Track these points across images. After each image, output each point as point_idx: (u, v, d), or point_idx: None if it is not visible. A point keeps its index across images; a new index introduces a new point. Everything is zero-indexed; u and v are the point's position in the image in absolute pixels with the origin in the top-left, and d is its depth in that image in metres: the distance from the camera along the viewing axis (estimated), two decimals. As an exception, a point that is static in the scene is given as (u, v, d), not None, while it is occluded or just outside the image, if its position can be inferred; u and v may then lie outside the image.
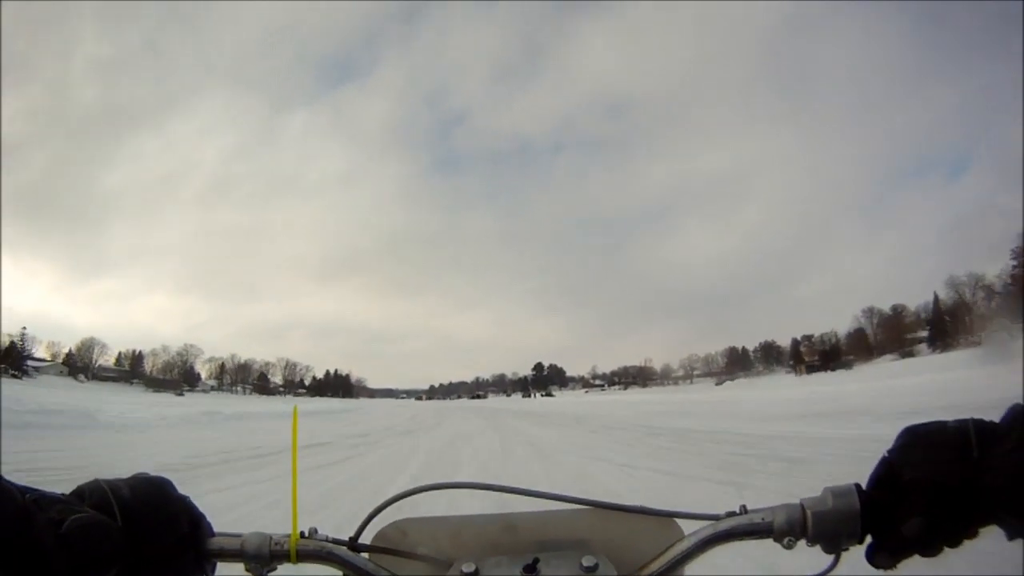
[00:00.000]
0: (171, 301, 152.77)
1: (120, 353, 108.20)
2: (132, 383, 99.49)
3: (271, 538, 0.56)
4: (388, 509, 0.62)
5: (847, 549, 0.54)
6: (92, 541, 0.43)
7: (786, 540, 0.54)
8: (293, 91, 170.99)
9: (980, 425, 0.49)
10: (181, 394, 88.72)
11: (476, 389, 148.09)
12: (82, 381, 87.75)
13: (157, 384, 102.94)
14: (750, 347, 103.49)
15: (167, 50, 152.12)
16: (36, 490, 0.44)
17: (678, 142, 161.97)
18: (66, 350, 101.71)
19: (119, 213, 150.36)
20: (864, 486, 0.53)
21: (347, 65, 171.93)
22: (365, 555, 0.59)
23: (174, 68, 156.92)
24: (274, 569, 0.56)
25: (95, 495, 0.47)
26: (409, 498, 0.62)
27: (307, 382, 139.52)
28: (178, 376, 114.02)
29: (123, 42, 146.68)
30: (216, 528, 0.56)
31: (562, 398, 74.37)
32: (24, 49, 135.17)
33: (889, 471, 0.52)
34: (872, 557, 0.52)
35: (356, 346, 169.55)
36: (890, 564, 0.52)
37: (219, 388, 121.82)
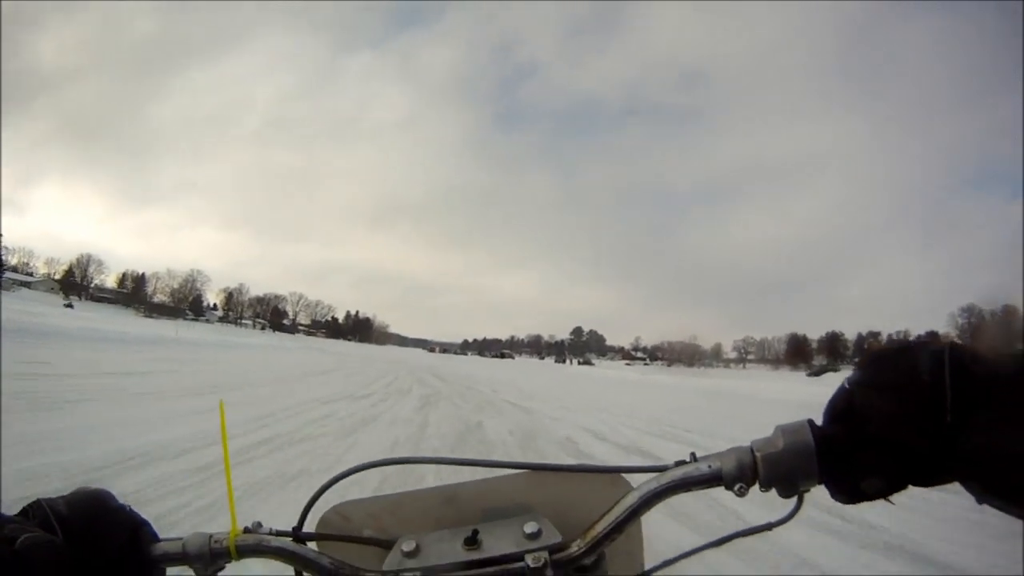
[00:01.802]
0: (217, 236, 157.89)
1: (125, 274, 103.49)
2: (132, 307, 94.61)
3: (211, 537, 0.55)
4: (328, 494, 0.60)
5: (807, 490, 0.50)
6: (42, 558, 0.45)
7: (737, 487, 0.50)
8: (357, 32, 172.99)
9: (958, 377, 0.43)
10: (146, 316, 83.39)
11: (509, 348, 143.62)
12: (63, 299, 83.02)
13: (156, 310, 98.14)
14: (812, 336, 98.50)
15: None
16: None
17: (747, 121, 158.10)
18: (63, 269, 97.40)
19: (170, 146, 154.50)
20: (820, 420, 0.49)
21: (416, 8, 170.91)
22: (311, 543, 0.58)
23: (233, 3, 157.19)
24: (221, 568, 0.56)
25: (38, 515, 0.49)
26: (351, 480, 0.60)
27: (333, 321, 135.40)
28: (185, 303, 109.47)
29: None
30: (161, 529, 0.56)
31: (603, 371, 64.41)
32: None
33: (849, 405, 0.47)
34: (832, 493, 0.49)
35: (396, 294, 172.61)
36: (850, 503, 0.48)
37: (225, 319, 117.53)
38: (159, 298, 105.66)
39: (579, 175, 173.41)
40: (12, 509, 0.50)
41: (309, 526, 0.59)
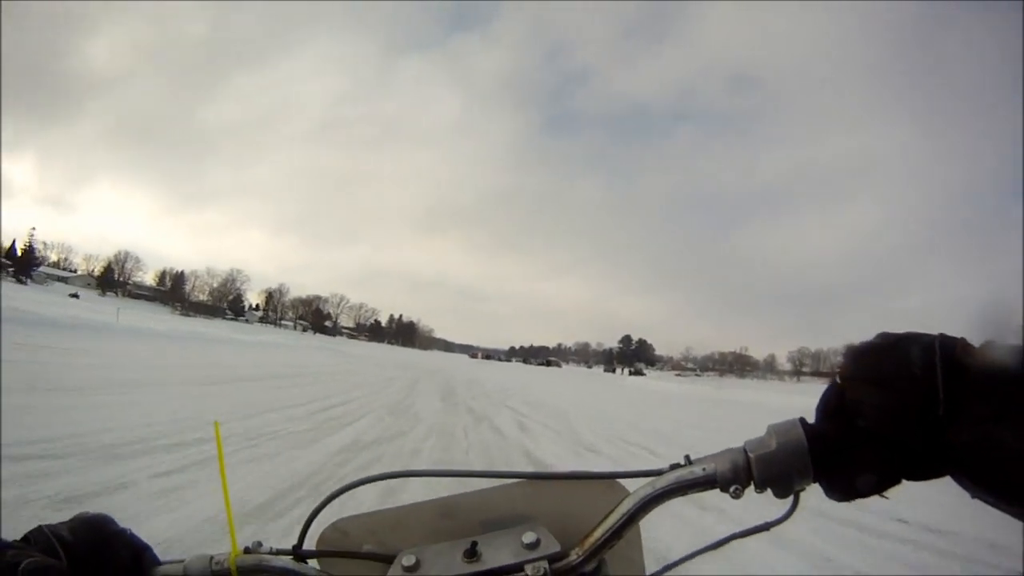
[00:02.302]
0: (267, 239, 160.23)
1: (165, 272, 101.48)
2: (169, 305, 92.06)
3: (212, 558, 0.55)
4: (326, 510, 0.60)
5: (803, 489, 0.49)
6: None
7: (732, 489, 0.49)
8: (408, 35, 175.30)
9: (949, 370, 0.42)
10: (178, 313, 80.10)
11: (557, 355, 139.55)
12: (100, 295, 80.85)
13: (194, 308, 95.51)
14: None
15: None
16: None
17: (798, 126, 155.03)
18: (102, 265, 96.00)
19: (221, 148, 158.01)
20: (813, 418, 0.49)
21: (467, 11, 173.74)
22: (311, 561, 0.58)
23: (283, 7, 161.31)
24: None
25: (40, 540, 0.50)
26: (350, 495, 0.59)
27: (376, 324, 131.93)
28: (224, 302, 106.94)
29: None
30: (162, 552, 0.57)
31: (656, 382, 56.47)
32: None
33: (840, 401, 0.46)
34: (827, 491, 0.48)
35: (445, 299, 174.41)
36: (845, 500, 0.48)
37: (265, 320, 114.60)
38: (199, 297, 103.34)
39: (629, 181, 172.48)
40: (14, 535, 0.50)
41: (309, 543, 0.59)
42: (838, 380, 0.47)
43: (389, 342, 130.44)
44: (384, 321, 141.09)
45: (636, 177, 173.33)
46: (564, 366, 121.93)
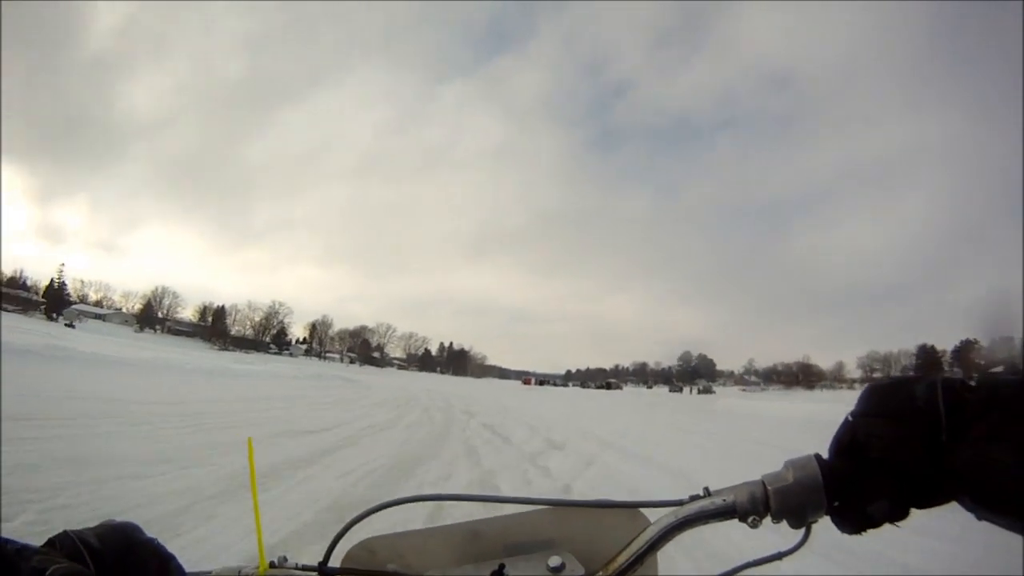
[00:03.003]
0: (317, 273, 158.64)
1: (205, 307, 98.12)
2: (209, 341, 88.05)
3: (240, 571, 0.56)
4: (355, 529, 0.61)
5: (815, 521, 0.52)
6: None
7: (750, 519, 0.52)
8: (446, 63, 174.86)
9: (951, 402, 0.46)
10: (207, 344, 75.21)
11: (615, 376, 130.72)
12: (137, 331, 77.46)
13: (236, 343, 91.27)
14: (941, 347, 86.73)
15: (314, 24, 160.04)
16: (15, 541, 0.47)
17: (843, 123, 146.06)
18: (141, 302, 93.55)
19: (267, 185, 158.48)
20: (826, 454, 0.51)
21: (503, 34, 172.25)
22: None
23: (321, 42, 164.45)
24: None
25: (66, 546, 0.49)
26: (377, 514, 0.61)
27: (426, 353, 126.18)
28: (267, 336, 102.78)
29: (266, 17, 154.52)
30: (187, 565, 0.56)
31: (736, 400, 45.89)
32: (161, 27, 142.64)
33: (852, 437, 0.49)
34: (838, 524, 0.51)
35: (498, 325, 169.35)
36: (856, 532, 0.50)
37: (309, 353, 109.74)
38: (240, 331, 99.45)
39: (675, 193, 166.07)
40: (36, 540, 0.49)
41: (335, 561, 0.59)
42: (850, 418, 0.50)
43: (440, 371, 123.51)
44: (435, 350, 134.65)
45: (682, 188, 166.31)
46: (624, 388, 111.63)
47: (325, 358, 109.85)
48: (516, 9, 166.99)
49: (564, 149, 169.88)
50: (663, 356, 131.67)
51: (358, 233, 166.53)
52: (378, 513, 0.60)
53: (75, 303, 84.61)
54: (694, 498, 0.54)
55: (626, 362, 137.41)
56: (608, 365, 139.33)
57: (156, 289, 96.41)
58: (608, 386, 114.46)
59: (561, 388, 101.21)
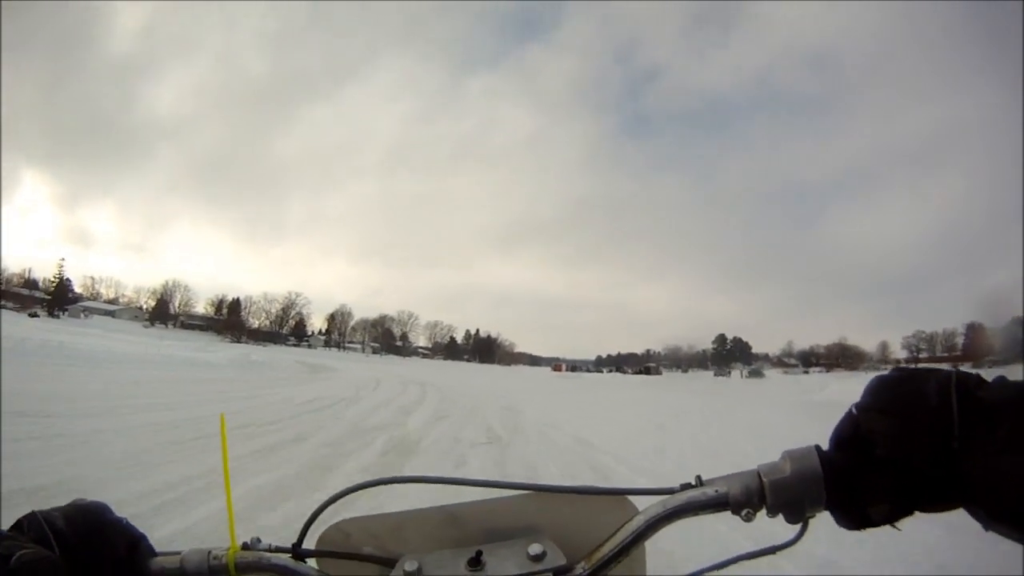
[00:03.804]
0: (349, 267, 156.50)
1: (221, 299, 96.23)
2: (223, 334, 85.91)
3: (210, 553, 0.54)
4: (329, 510, 0.59)
5: (813, 516, 0.49)
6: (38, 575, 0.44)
7: (744, 512, 0.49)
8: (473, 52, 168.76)
9: (964, 403, 0.43)
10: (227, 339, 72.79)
11: (644, 361, 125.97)
12: (145, 326, 75.60)
13: (253, 336, 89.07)
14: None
15: (337, 18, 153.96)
16: None
17: (881, 101, 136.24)
18: (154, 297, 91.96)
19: (296, 181, 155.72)
20: (827, 446, 0.49)
21: (530, 22, 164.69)
22: (310, 560, 0.57)
23: (345, 36, 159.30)
24: None
25: (33, 527, 0.48)
26: (353, 496, 0.59)
27: (451, 341, 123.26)
28: (285, 328, 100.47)
29: (289, 13, 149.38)
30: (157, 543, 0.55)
31: (803, 385, 38.29)
32: (183, 26, 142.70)
33: (855, 431, 0.46)
34: (837, 520, 0.48)
35: (531, 314, 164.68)
36: (855, 529, 0.48)
37: (328, 343, 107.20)
38: (255, 323, 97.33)
39: (709, 177, 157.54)
40: (6, 522, 0.48)
41: (309, 543, 0.58)
42: (854, 411, 0.47)
43: (467, 359, 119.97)
44: (461, 338, 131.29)
45: (716, 172, 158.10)
46: (663, 373, 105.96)
47: (344, 348, 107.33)
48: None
49: (595, 137, 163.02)
50: (696, 339, 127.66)
51: (388, 227, 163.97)
52: (354, 495, 0.58)
53: (87, 299, 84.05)
54: (685, 487, 0.52)
55: (658, 346, 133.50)
56: (639, 350, 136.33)
57: (167, 283, 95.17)
58: (647, 371, 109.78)
59: (595, 374, 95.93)
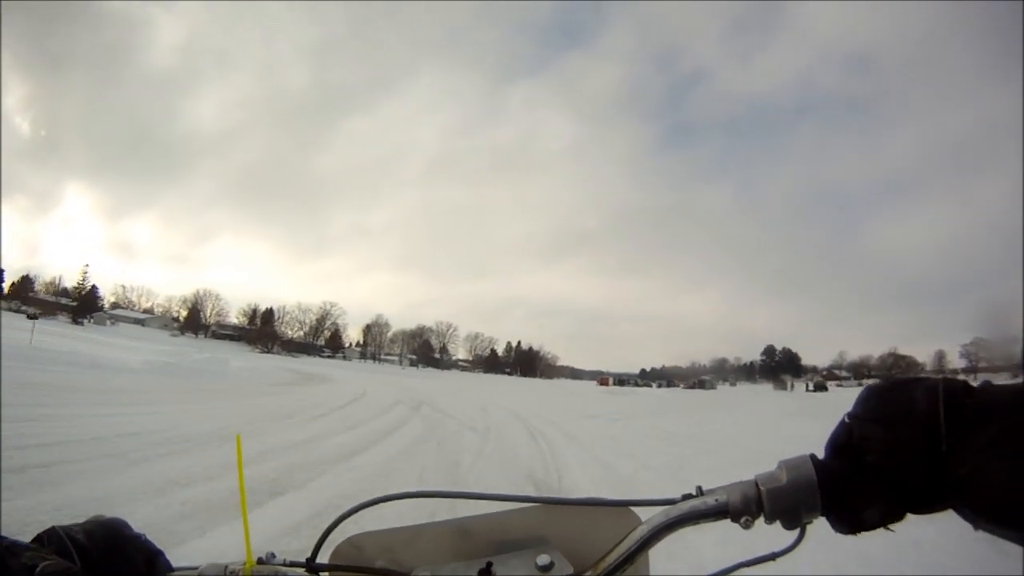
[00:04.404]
0: (391, 280, 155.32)
1: (254, 309, 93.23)
2: (254, 344, 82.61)
3: (227, 567, 0.55)
4: (343, 525, 0.60)
5: (810, 522, 0.51)
6: None
7: (743, 520, 0.51)
8: (513, 61, 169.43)
9: (951, 409, 0.44)
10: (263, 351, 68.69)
11: (689, 375, 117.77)
12: (173, 335, 72.72)
13: (286, 346, 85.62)
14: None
15: (376, 30, 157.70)
16: (5, 538, 0.47)
17: (929, 102, 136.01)
18: (186, 306, 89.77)
19: (337, 194, 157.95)
20: (822, 454, 0.50)
21: (570, 29, 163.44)
22: (324, 575, 0.59)
23: (385, 48, 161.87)
24: None
25: (54, 541, 0.49)
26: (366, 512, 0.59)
27: (492, 354, 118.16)
28: (320, 338, 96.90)
29: (328, 26, 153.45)
30: (174, 560, 0.56)
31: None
32: (223, 41, 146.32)
33: (849, 439, 0.48)
34: (833, 525, 0.50)
35: (573, 326, 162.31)
36: (851, 533, 0.49)
37: (364, 355, 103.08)
38: (289, 334, 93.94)
39: (753, 185, 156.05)
40: (25, 536, 0.49)
41: (323, 557, 0.59)
42: (847, 419, 0.49)
43: (508, 373, 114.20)
44: (502, 350, 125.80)
45: (760, 180, 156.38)
46: (718, 387, 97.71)
47: (380, 360, 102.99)
48: (582, 3, 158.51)
49: (637, 145, 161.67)
50: (743, 351, 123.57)
51: (429, 239, 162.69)
52: (367, 510, 0.59)
53: (120, 308, 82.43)
54: (686, 497, 0.54)
55: (703, 359, 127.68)
56: (684, 362, 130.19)
57: (197, 292, 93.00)
58: (701, 385, 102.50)
59: (644, 389, 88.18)
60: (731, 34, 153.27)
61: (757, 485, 0.51)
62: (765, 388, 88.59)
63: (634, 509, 0.59)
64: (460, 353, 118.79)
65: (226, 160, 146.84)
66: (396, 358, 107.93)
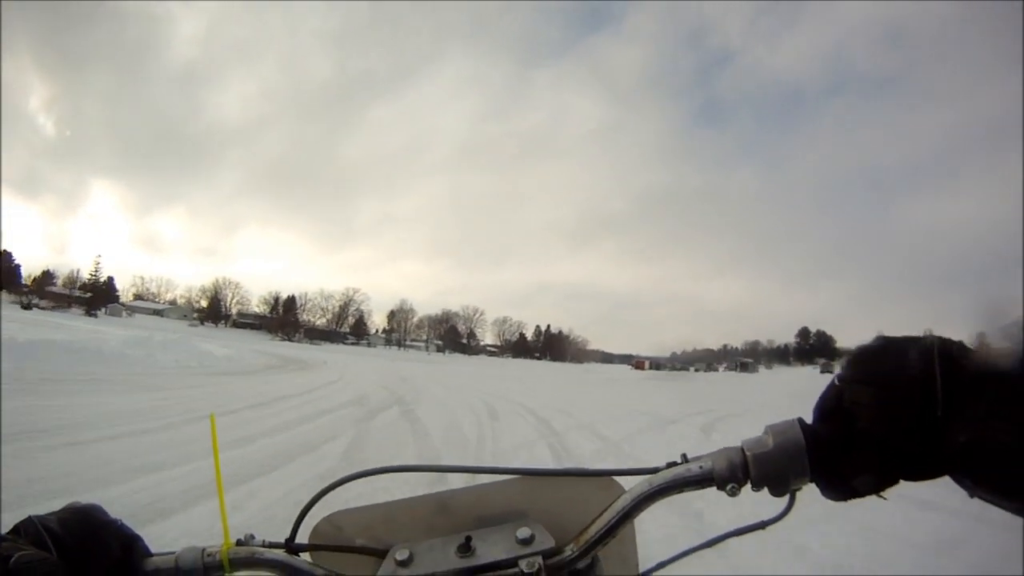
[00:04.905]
0: (419, 267, 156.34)
1: (276, 297, 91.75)
2: (275, 332, 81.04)
3: (204, 551, 0.55)
4: (321, 504, 0.60)
5: (799, 489, 0.49)
6: (37, 575, 0.45)
7: (729, 487, 0.49)
8: (540, 45, 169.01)
9: (947, 372, 0.42)
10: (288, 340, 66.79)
11: (724, 357, 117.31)
12: (190, 325, 71.42)
13: (308, 334, 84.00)
14: None
15: (399, 16, 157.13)
16: None
17: (962, 75, 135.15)
18: (206, 296, 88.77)
19: (365, 183, 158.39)
20: (810, 418, 0.48)
21: (596, 9, 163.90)
22: (304, 555, 0.58)
23: (409, 34, 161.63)
24: None
25: (30, 532, 0.49)
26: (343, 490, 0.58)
27: (521, 338, 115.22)
28: (343, 325, 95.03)
29: (350, 13, 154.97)
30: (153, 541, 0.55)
31: None
32: (245, 32, 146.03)
33: (838, 403, 0.46)
34: (823, 491, 0.48)
35: (602, 310, 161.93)
36: (841, 500, 0.48)
37: (389, 342, 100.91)
38: (311, 321, 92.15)
39: (784, 166, 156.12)
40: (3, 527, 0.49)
41: (302, 537, 0.59)
42: (836, 382, 0.46)
43: (537, 357, 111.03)
44: (531, 334, 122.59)
45: (791, 161, 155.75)
46: (760, 371, 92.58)
47: (405, 346, 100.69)
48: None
49: (667, 126, 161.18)
50: (775, 334, 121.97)
51: (458, 226, 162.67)
52: (344, 487, 0.59)
53: (141, 299, 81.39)
54: (670, 465, 0.52)
55: (736, 342, 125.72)
56: (715, 345, 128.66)
57: (216, 281, 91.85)
58: (743, 367, 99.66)
59: (683, 373, 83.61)
60: (760, 11, 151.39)
61: (743, 451, 0.49)
62: (806, 371, 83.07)
63: (617, 479, 0.58)
64: (488, 338, 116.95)
65: (252, 152, 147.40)
66: (422, 344, 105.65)
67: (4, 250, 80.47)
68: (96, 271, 79.34)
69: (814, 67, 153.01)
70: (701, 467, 0.50)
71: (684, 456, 0.52)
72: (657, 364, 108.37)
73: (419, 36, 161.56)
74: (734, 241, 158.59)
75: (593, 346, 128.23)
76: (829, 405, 0.47)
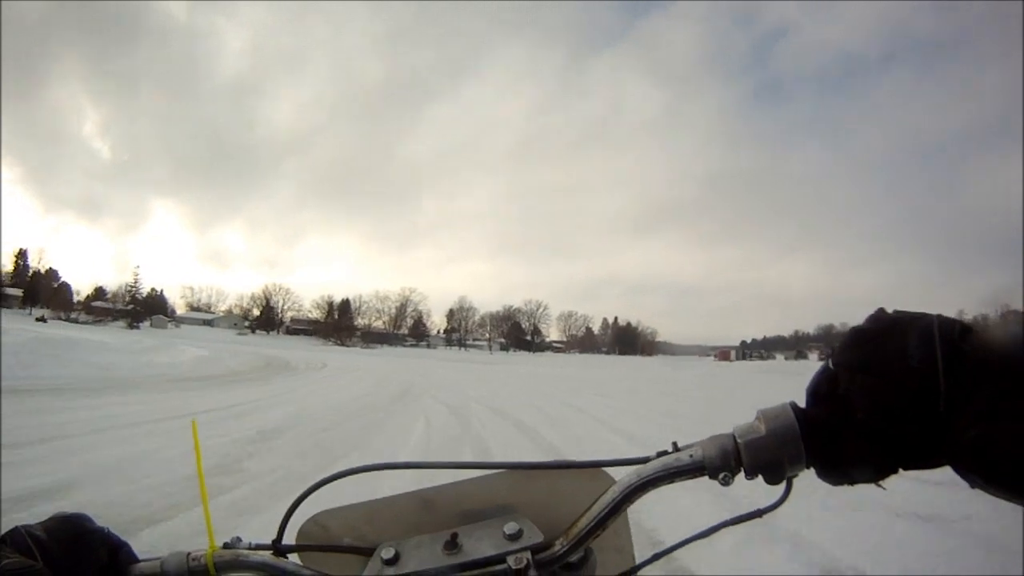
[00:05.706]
0: (485, 265, 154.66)
1: (330, 302, 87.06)
2: (329, 337, 76.23)
3: (189, 555, 0.55)
4: (307, 504, 0.59)
5: (795, 475, 0.47)
6: None
7: (721, 476, 0.47)
8: (591, 34, 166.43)
9: (949, 360, 0.39)
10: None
11: (795, 344, 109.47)
12: (238, 333, 67.41)
13: (364, 338, 78.95)
14: None
15: (449, 12, 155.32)
16: None
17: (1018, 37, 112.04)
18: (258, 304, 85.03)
19: (425, 184, 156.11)
20: (803, 402, 0.46)
21: None
22: (291, 556, 0.58)
23: (460, 30, 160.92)
24: None
25: (17, 541, 0.49)
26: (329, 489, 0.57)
27: (588, 332, 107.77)
28: (403, 327, 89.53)
29: (397, 12, 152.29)
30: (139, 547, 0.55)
31: None
32: (292, 41, 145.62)
33: (833, 388, 0.44)
34: (820, 475, 0.46)
35: (668, 300, 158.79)
36: (839, 484, 0.46)
37: (450, 342, 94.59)
38: (367, 324, 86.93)
39: (844, 141, 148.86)
40: None
41: (288, 538, 0.58)
42: (831, 365, 0.44)
43: (604, 352, 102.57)
44: (598, 327, 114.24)
45: (851, 135, 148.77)
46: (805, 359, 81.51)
47: (466, 346, 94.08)
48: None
49: (725, 106, 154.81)
50: (850, 316, 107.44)
51: (519, 221, 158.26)
52: (328, 487, 0.58)
53: (194, 310, 78.93)
54: (661, 454, 0.51)
55: (808, 327, 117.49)
56: (786, 332, 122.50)
57: (266, 288, 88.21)
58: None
59: (769, 362, 73.60)
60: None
61: (735, 438, 0.47)
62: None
63: (607, 470, 0.56)
64: (553, 334, 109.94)
65: (308, 159, 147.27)
66: (485, 343, 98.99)
67: (51, 268, 79.54)
68: (135, 283, 77.46)
69: (871, 34, 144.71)
70: (691, 456, 0.49)
71: (675, 445, 0.51)
72: (743, 353, 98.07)
73: (469, 31, 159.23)
74: (800, 222, 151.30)
75: (660, 337, 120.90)
76: (823, 389, 0.44)
